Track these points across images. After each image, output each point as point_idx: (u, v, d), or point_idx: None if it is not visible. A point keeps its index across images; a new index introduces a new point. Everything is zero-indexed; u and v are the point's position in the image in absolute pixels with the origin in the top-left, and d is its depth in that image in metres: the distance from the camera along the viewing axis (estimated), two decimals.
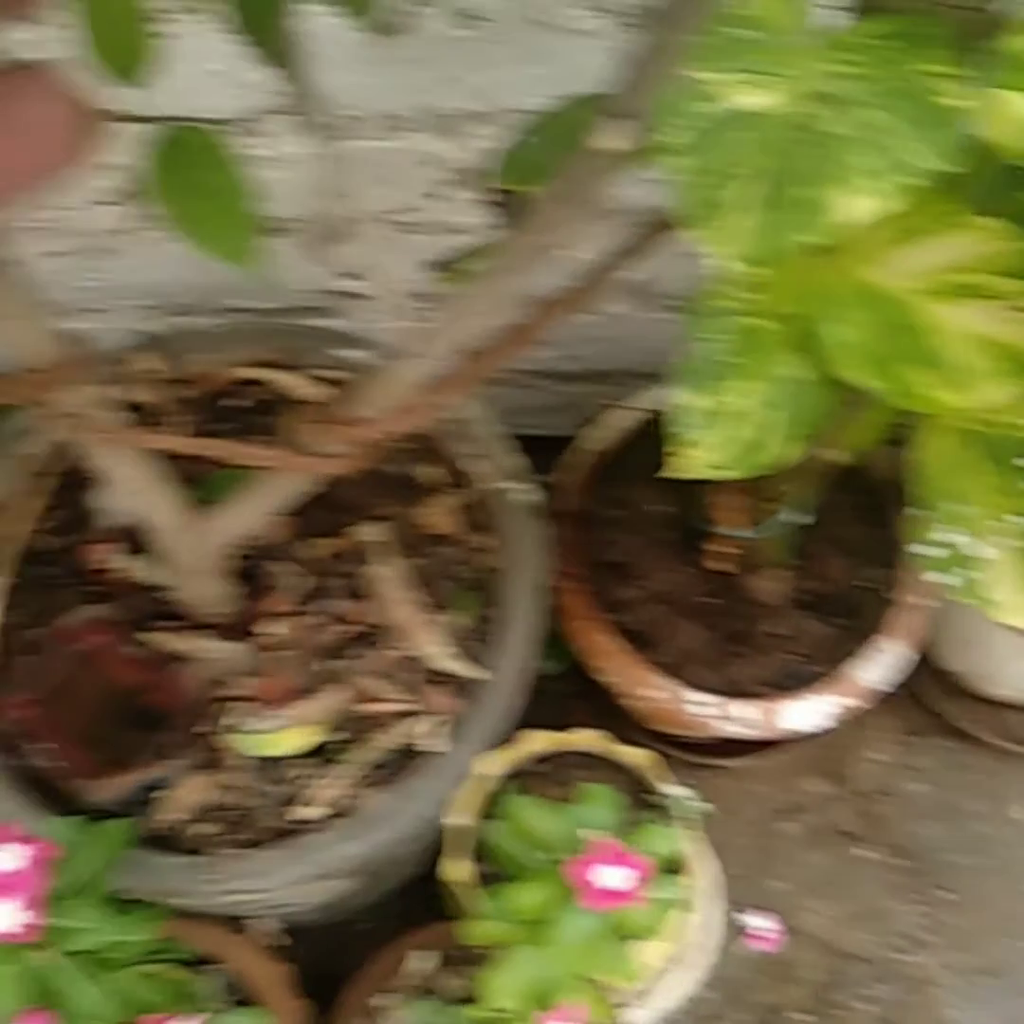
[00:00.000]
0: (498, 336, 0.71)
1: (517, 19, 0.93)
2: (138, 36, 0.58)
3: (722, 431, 0.67)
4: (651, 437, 1.13)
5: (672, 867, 0.89)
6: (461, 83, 0.98)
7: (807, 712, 1.00)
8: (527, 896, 0.78)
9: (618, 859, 0.75)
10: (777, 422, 0.68)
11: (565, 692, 1.26)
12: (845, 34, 0.62)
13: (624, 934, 0.80)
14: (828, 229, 0.56)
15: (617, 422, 1.15)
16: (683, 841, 0.87)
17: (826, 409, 0.70)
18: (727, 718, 1.00)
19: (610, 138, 0.52)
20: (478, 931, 0.84)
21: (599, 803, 0.81)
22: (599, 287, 0.72)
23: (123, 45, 0.57)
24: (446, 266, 0.74)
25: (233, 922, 1.07)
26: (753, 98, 0.60)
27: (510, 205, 0.77)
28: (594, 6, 0.92)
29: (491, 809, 1.14)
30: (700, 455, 0.67)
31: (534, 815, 0.82)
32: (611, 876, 0.75)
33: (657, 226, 0.71)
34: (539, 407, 1.33)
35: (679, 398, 0.67)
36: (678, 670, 1.02)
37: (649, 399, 1.15)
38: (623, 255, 0.71)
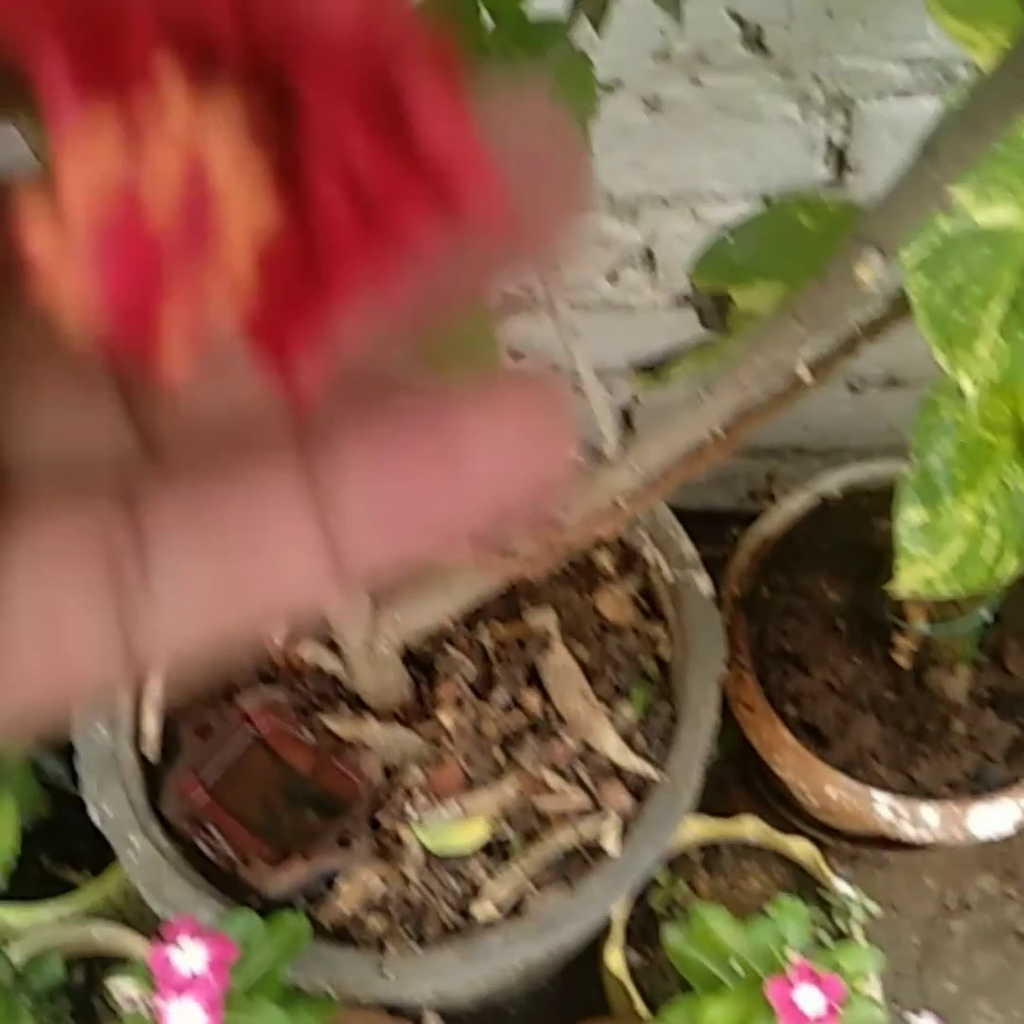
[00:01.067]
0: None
1: (705, 105, 0.92)
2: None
3: (944, 546, 0.65)
4: (823, 521, 1.10)
5: (855, 981, 0.86)
6: (643, 167, 0.97)
7: (995, 817, 0.96)
8: (719, 1011, 0.76)
9: (817, 980, 0.73)
10: (1000, 536, 0.66)
11: (722, 775, 1.23)
12: None
13: None
14: None
15: (786, 504, 1.12)
16: (868, 957, 0.84)
17: None
18: (913, 821, 0.97)
19: (862, 267, 0.50)
20: None
21: (791, 918, 0.78)
22: (812, 386, 0.70)
23: None
24: (651, 369, 0.73)
25: (388, 1008, 1.06)
26: (994, 214, 0.58)
27: (711, 305, 0.75)
28: (788, 93, 0.90)
29: (648, 895, 1.12)
30: (920, 570, 0.65)
31: (722, 925, 0.80)
32: (812, 998, 0.72)
33: (880, 324, 0.68)
34: (697, 481, 1.31)
35: (902, 511, 0.64)
36: (858, 768, 0.99)
37: (821, 482, 1.12)
38: (842, 352, 0.69)
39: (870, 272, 0.49)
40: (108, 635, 0.17)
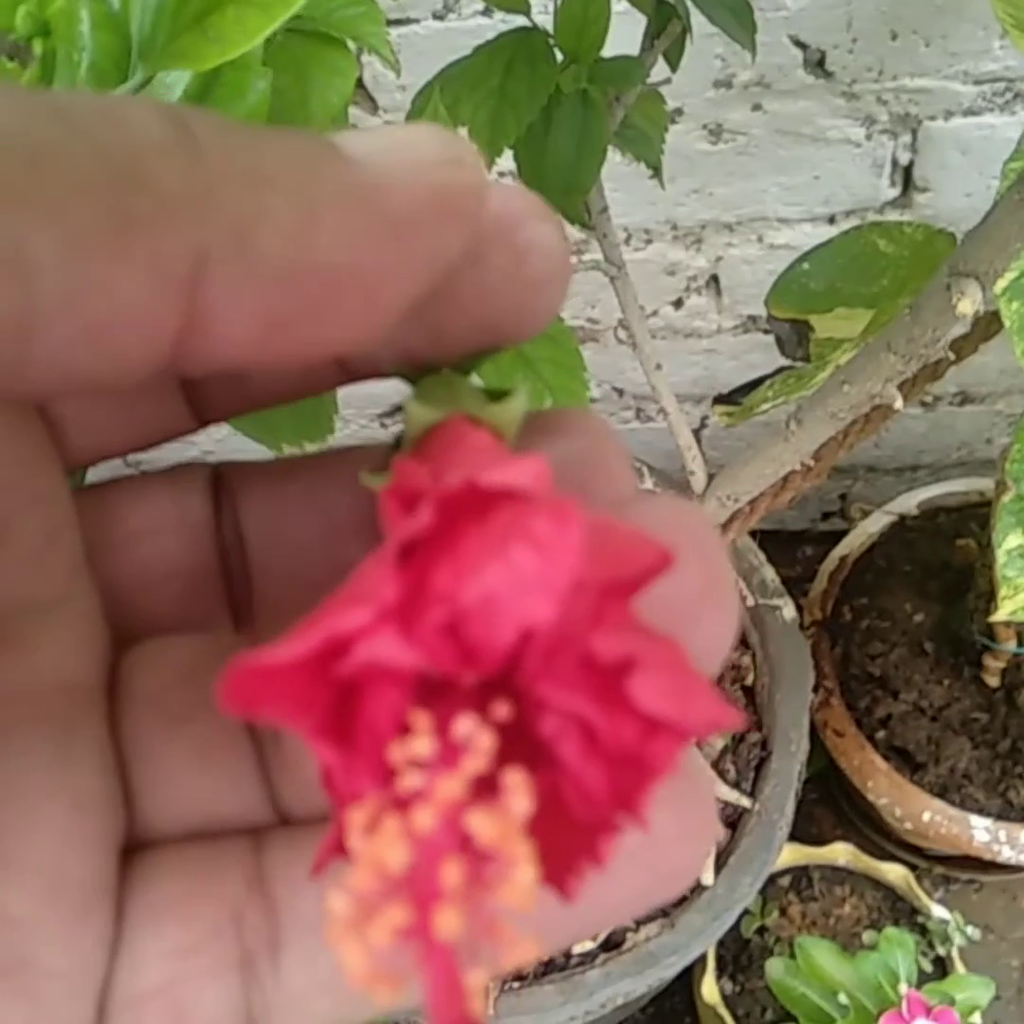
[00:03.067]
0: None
1: (768, 130, 0.92)
2: None
3: None
4: (902, 541, 1.09)
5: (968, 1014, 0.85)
6: (707, 194, 0.97)
7: None
8: None
9: (931, 1014, 0.72)
10: None
11: (806, 797, 1.22)
12: None
13: None
14: None
15: (864, 524, 1.11)
16: (982, 988, 0.83)
17: None
18: (1011, 845, 0.95)
19: (962, 299, 0.49)
20: None
21: (899, 949, 0.77)
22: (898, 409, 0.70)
23: None
24: (730, 400, 0.72)
25: None
26: None
27: (790, 333, 0.75)
28: (852, 115, 0.90)
29: (739, 922, 1.10)
30: (1023, 596, 0.64)
31: (827, 957, 0.79)
32: None
33: (965, 345, 0.68)
34: None
35: (1001, 538, 0.64)
36: (953, 792, 0.98)
37: (898, 501, 1.11)
38: (929, 377, 0.69)
39: (970, 303, 0.49)
40: (234, 1015, 0.16)
